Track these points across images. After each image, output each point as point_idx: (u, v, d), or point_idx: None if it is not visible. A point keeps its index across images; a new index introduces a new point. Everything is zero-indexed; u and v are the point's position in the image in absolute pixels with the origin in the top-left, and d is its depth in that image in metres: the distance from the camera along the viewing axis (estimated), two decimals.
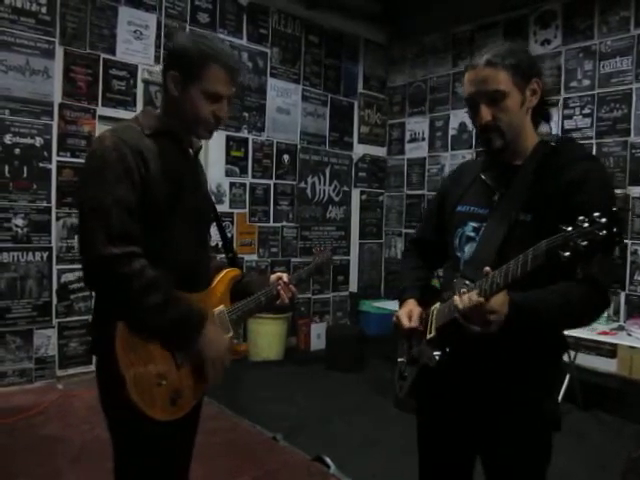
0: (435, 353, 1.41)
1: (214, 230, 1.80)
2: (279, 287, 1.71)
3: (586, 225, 1.02)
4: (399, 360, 1.62)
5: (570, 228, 1.04)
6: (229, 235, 4.97)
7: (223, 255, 1.80)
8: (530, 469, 1.43)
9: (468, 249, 1.48)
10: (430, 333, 1.46)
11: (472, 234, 1.48)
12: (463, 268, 1.45)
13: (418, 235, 1.82)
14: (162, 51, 4.45)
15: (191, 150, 1.58)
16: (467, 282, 1.32)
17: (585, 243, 1.01)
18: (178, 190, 1.46)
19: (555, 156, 1.40)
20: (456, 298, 1.29)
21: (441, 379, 1.44)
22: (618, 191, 4.40)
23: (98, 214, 1.32)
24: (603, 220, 1.00)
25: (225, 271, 1.67)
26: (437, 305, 1.48)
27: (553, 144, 1.44)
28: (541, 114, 1.50)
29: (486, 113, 1.40)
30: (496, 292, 1.22)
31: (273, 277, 1.75)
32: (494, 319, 1.24)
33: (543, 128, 1.52)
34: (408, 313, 1.53)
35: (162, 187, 1.41)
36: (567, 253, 1.04)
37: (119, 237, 1.31)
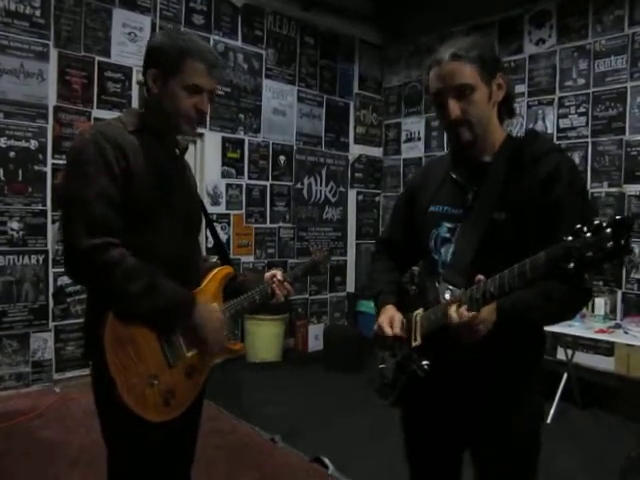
0: (424, 362, 1.38)
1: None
2: (274, 285, 1.71)
3: (589, 235, 0.98)
4: (380, 367, 1.57)
5: (570, 238, 1.00)
6: (225, 237, 4.97)
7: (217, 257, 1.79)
8: (519, 460, 1.42)
9: (444, 251, 1.45)
10: (415, 340, 1.42)
11: (447, 235, 1.45)
12: (444, 272, 1.42)
13: (387, 235, 1.75)
14: None
15: (177, 150, 1.58)
16: (451, 287, 1.30)
17: (590, 254, 0.97)
18: (161, 186, 1.46)
19: (523, 151, 1.38)
20: (452, 312, 1.26)
21: (426, 382, 1.41)
22: (614, 189, 4.43)
23: (79, 207, 1.33)
24: (608, 230, 0.96)
25: (217, 269, 1.66)
26: (420, 311, 1.44)
27: (520, 139, 1.43)
28: (507, 109, 1.48)
29: (455, 108, 1.36)
30: (489, 302, 1.21)
31: (267, 275, 1.74)
32: (482, 329, 1.24)
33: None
34: (389, 320, 1.48)
35: (144, 181, 1.41)
36: (572, 264, 1.00)
37: (100, 229, 1.32)
